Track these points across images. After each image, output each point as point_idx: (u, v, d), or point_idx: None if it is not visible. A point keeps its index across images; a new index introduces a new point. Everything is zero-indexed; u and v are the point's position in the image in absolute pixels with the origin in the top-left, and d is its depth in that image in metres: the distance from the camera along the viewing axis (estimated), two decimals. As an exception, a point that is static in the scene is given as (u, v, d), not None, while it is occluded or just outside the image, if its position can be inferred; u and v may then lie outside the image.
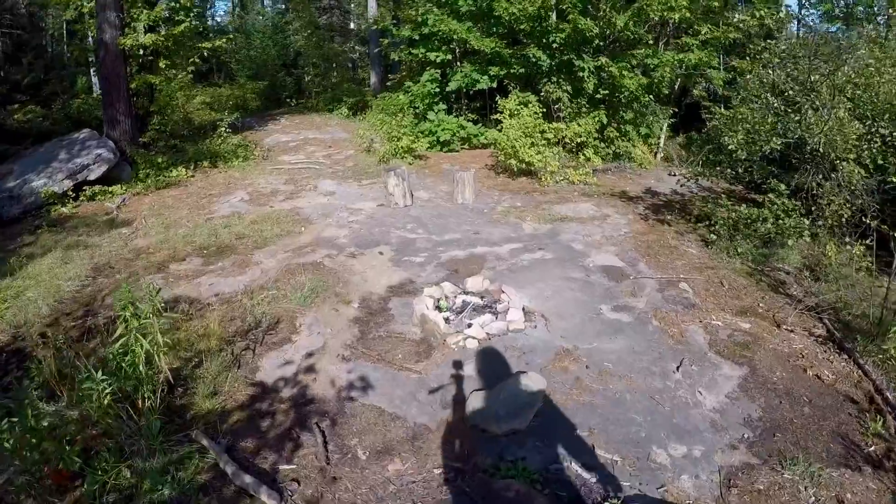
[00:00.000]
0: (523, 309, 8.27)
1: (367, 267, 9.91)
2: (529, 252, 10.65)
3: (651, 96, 17.99)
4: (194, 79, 28.09)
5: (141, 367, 5.87)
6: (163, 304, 6.46)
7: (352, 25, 33.66)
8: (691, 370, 7.14)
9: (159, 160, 15.88)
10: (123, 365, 5.86)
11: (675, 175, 15.69)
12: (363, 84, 29.82)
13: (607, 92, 17.56)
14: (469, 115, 19.66)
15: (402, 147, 16.60)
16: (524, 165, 15.26)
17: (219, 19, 39.81)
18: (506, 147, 15.21)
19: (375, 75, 28.30)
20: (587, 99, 17.83)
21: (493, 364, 7.17)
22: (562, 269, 9.91)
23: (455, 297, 8.77)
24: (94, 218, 13.02)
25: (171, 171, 15.73)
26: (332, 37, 30.41)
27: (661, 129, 19.26)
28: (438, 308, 8.34)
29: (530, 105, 16.30)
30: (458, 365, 7.11)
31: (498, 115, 16.36)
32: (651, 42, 18.25)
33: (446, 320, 8.02)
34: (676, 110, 19.42)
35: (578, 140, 16.09)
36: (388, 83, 26.00)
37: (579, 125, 16.09)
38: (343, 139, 19.86)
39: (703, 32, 17.95)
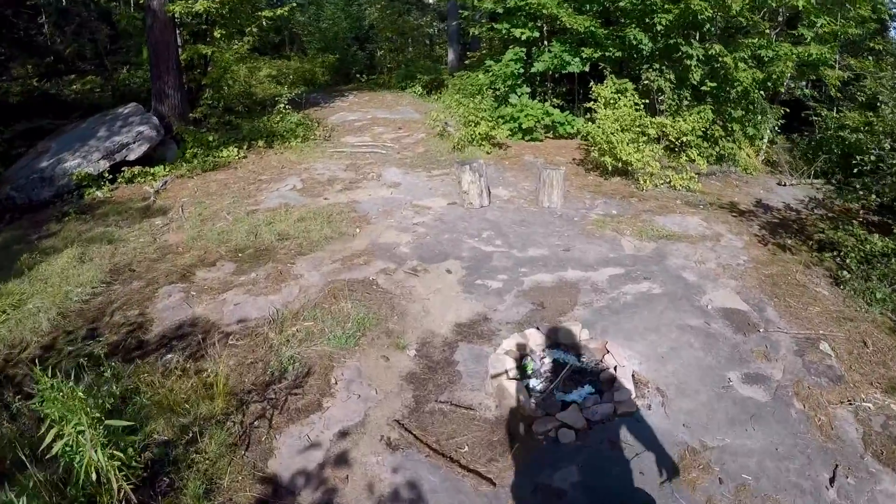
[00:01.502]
0: (633, 376, 6.02)
1: (431, 291, 7.81)
2: (633, 282, 8.43)
3: (761, 93, 15.41)
4: (264, 51, 26.57)
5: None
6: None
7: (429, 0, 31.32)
8: (847, 485, 5.07)
9: (210, 138, 14.06)
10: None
11: (785, 184, 14.06)
12: (440, 62, 27.46)
13: (714, 85, 14.95)
14: (554, 100, 17.17)
15: (479, 134, 14.33)
16: (620, 164, 12.81)
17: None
18: (600, 142, 12.82)
19: (453, 52, 25.96)
20: (690, 91, 15.24)
21: (595, 475, 4.99)
22: (675, 310, 7.66)
23: (543, 353, 6.57)
24: (129, 204, 11.33)
25: (222, 150, 13.93)
26: (408, 10, 28.10)
27: (770, 131, 16.48)
28: (522, 369, 6.10)
29: (627, 94, 13.85)
30: (547, 472, 4.92)
31: (591, 103, 13.93)
32: (766, 31, 15.47)
33: (531, 392, 5.86)
34: (787, 110, 16.61)
35: (684, 139, 13.47)
36: (467, 61, 23.63)
37: (686, 121, 13.48)
38: (414, 120, 17.66)
39: (818, 24, 15.27)
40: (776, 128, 16.71)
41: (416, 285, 7.92)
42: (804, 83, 18.03)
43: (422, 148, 14.85)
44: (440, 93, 21.47)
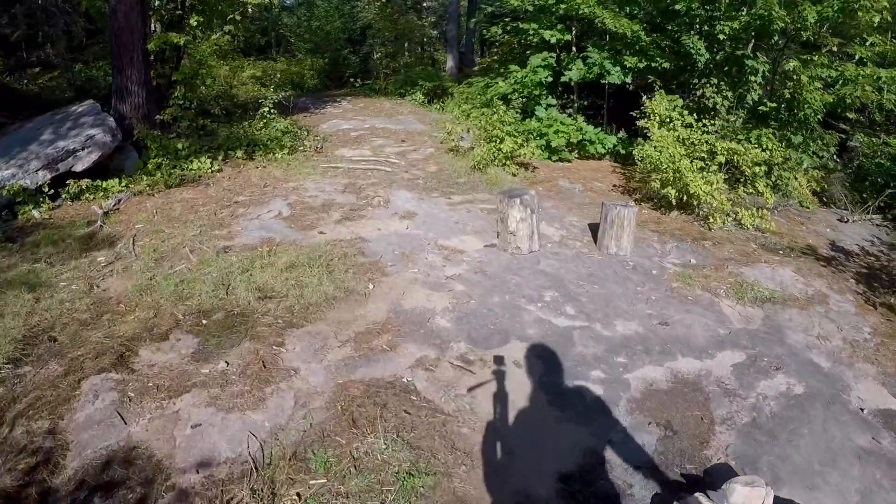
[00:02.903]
0: None
1: (502, 405, 4.94)
2: (765, 375, 6.09)
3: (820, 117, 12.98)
4: (249, 53, 23.60)
5: None
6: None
7: (429, 2, 28.34)
8: None
9: (178, 146, 11.13)
10: None
11: (847, 221, 12.05)
12: (437, 67, 24.55)
13: (773, 106, 12.36)
14: (576, 114, 14.39)
15: (504, 152, 11.43)
16: (685, 197, 10.06)
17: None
18: (666, 170, 10.01)
19: (452, 59, 23.21)
20: (748, 111, 12.61)
21: None
22: (835, 421, 5.51)
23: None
24: (69, 230, 8.36)
25: (192, 161, 10.97)
26: (407, 10, 25.05)
27: (827, 159, 13.98)
28: None
29: (677, 110, 11.22)
30: None
31: (643, 121, 11.24)
32: (835, 48, 12.86)
33: None
34: (844, 136, 14.12)
35: (756, 168, 10.71)
36: (475, 67, 20.82)
37: (763, 148, 10.75)
38: (419, 132, 14.74)
39: (869, 44, 12.90)
40: (834, 156, 14.22)
41: (478, 395, 5.05)
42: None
43: (433, 166, 11.96)
44: (443, 101, 18.62)
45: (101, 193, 9.61)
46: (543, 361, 5.78)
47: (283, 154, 11.83)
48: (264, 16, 27.64)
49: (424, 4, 27.67)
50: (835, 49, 12.87)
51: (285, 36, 28.02)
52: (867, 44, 12.82)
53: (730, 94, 12.41)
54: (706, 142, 10.62)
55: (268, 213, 8.92)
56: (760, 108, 12.58)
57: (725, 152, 10.58)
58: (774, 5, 11.03)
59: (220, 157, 11.39)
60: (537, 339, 6.11)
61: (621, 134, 14.11)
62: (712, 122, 11.79)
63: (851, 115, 14.05)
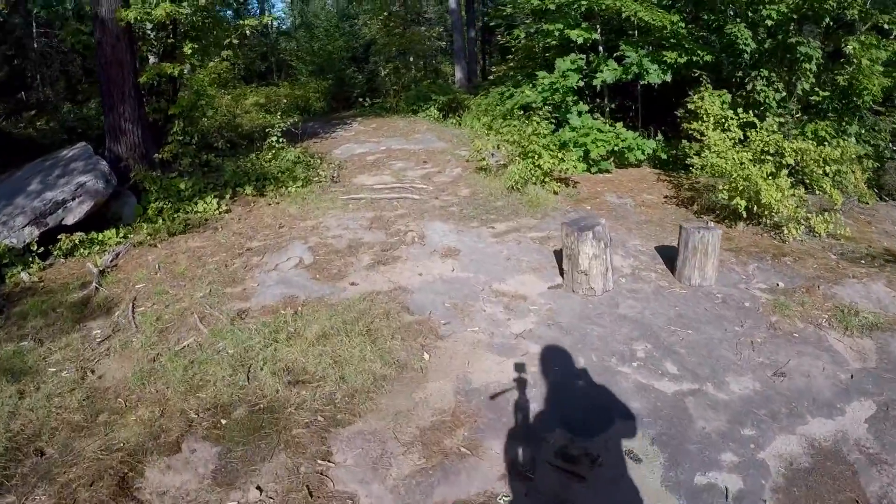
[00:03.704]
0: None
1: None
2: None
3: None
4: (250, 79, 22.30)
5: None
6: None
7: (429, 14, 26.95)
8: None
9: (181, 186, 9.79)
10: None
11: None
12: (446, 80, 23.16)
13: (827, 94, 11.18)
14: (606, 119, 13.01)
15: (542, 168, 10.04)
16: (755, 207, 8.70)
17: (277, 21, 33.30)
18: (735, 179, 8.60)
19: (461, 70, 21.85)
20: (799, 102, 11.25)
21: None
22: None
23: None
24: (61, 295, 7.07)
25: (196, 203, 9.65)
26: (408, 24, 23.61)
27: (883, 148, 12.54)
28: None
29: (728, 108, 10.00)
30: None
31: (695, 123, 9.94)
32: (886, 25, 11.45)
33: None
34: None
35: (826, 168, 9.29)
36: (491, 76, 19.44)
37: (837, 147, 9.35)
38: (440, 150, 13.34)
39: None
40: (890, 143, 12.76)
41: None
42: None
43: (465, 189, 10.58)
44: (459, 115, 17.20)
45: (97, 247, 8.32)
46: (663, 448, 4.41)
47: (297, 187, 10.47)
48: (263, 41, 26.49)
49: (427, 16, 26.33)
50: (886, 26, 11.43)
51: (286, 60, 26.78)
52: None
53: (780, 85, 11.04)
54: (775, 143, 9.20)
55: (287, 262, 7.56)
56: (812, 98, 11.24)
57: (794, 153, 9.17)
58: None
59: (227, 196, 10.05)
60: (647, 416, 4.74)
61: (659, 137, 12.76)
62: (764, 117, 10.43)
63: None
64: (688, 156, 10.52)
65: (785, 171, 9.03)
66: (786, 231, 8.59)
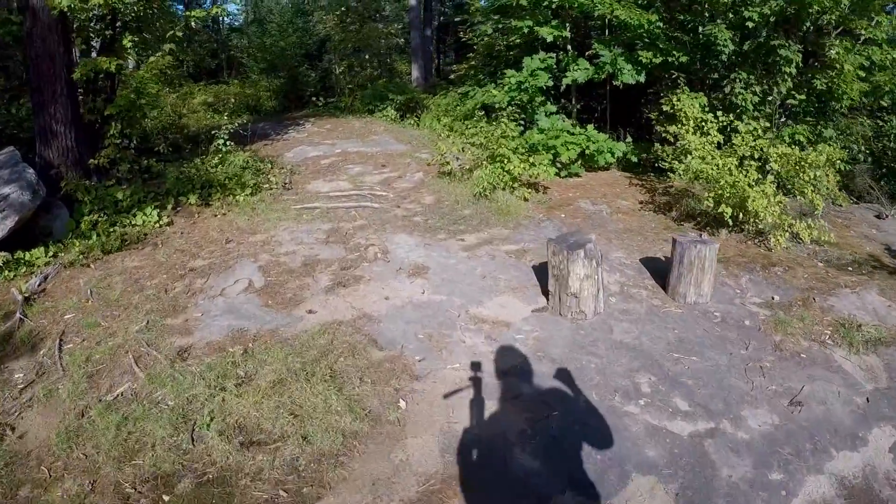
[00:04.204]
0: None
1: None
2: None
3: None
4: (199, 77, 21.11)
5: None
6: None
7: (387, 10, 25.93)
8: None
9: (118, 196, 8.80)
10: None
11: (885, 217, 10.61)
12: (402, 79, 22.22)
13: (803, 98, 10.83)
14: (574, 120, 12.40)
15: (512, 172, 9.30)
16: (741, 214, 8.10)
17: (229, 18, 31.91)
18: (723, 186, 7.98)
19: (418, 69, 21.03)
20: (775, 106, 10.83)
21: None
22: None
23: None
24: (-23, 329, 5.97)
25: (136, 214, 8.62)
26: (365, 20, 22.52)
27: (857, 151, 12.25)
28: None
29: (706, 110, 9.57)
30: None
31: (672, 126, 9.34)
32: (864, 31, 11.13)
33: None
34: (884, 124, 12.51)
35: (810, 174, 8.73)
36: (452, 76, 18.62)
37: (823, 152, 8.80)
38: (399, 153, 12.49)
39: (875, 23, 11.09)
40: (863, 147, 12.46)
41: None
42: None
43: (428, 196, 9.79)
44: (417, 116, 16.35)
45: (24, 269, 7.27)
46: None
47: (246, 195, 9.55)
48: (213, 37, 25.24)
49: (384, 13, 25.37)
50: (864, 32, 11.03)
51: (237, 57, 25.52)
52: (874, 22, 11.03)
53: (757, 88, 10.53)
54: (760, 148, 8.65)
55: (235, 285, 6.68)
56: (789, 101, 10.78)
57: (779, 158, 8.62)
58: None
59: (169, 206, 9.09)
60: (665, 466, 4.09)
61: (628, 139, 12.17)
62: (740, 120, 9.93)
63: (885, 103, 12.33)
64: (661, 159, 9.99)
65: (771, 178, 8.48)
66: (772, 239, 8.03)
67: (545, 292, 6.25)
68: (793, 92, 10.72)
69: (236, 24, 31.32)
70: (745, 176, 8.09)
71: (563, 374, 5.01)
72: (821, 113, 11.46)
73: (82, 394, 4.93)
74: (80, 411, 4.73)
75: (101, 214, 8.41)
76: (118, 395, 4.90)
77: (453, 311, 5.99)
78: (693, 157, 8.70)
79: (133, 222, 8.49)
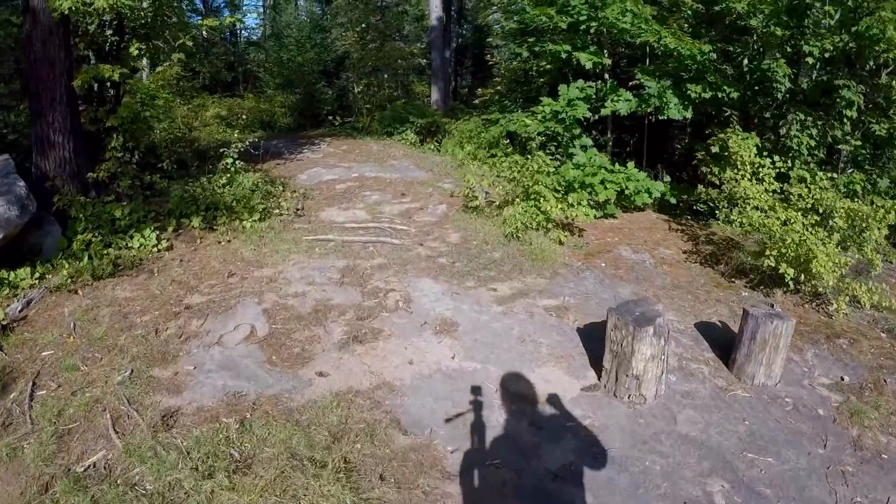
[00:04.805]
0: None
1: None
2: None
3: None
4: (214, 90, 20.42)
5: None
6: None
7: (406, 30, 25.24)
8: None
9: (116, 214, 8.03)
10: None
11: None
12: (422, 101, 21.45)
13: (858, 143, 9.94)
14: (608, 155, 11.58)
15: (548, 212, 8.44)
16: (802, 275, 7.26)
17: (247, 31, 31.40)
18: (789, 244, 7.09)
19: (437, 91, 20.25)
20: (827, 151, 10.09)
21: None
22: None
23: None
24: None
25: (133, 236, 7.85)
26: (386, 38, 21.80)
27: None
28: None
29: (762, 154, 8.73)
30: None
31: (728, 171, 8.60)
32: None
33: None
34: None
35: (876, 232, 7.82)
36: (476, 100, 17.85)
37: (893, 208, 7.89)
38: (420, 181, 11.62)
39: None
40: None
41: None
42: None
43: (454, 233, 8.93)
44: (438, 141, 15.53)
45: (6, 291, 6.54)
46: None
47: (254, 221, 8.72)
48: (230, 50, 24.62)
49: (404, 32, 24.71)
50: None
51: (253, 71, 24.85)
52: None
53: (814, 131, 9.68)
54: (823, 201, 7.78)
55: (234, 332, 5.82)
56: (842, 146, 9.92)
57: (846, 214, 7.73)
58: (891, 23, 8.33)
59: (170, 228, 8.33)
60: None
61: (667, 179, 11.33)
62: (790, 165, 9.05)
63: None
64: (704, 202, 9.14)
65: (837, 236, 7.59)
66: (834, 304, 7.11)
67: (593, 362, 5.38)
68: (847, 136, 9.88)
69: (254, 37, 30.76)
70: (813, 234, 7.20)
71: (623, 478, 4.12)
72: (874, 160, 10.59)
73: (50, 458, 4.11)
74: (45, 484, 3.91)
75: (96, 234, 7.68)
76: (89, 467, 4.07)
77: (490, 385, 5.11)
78: (749, 207, 7.82)
79: (129, 244, 7.75)
